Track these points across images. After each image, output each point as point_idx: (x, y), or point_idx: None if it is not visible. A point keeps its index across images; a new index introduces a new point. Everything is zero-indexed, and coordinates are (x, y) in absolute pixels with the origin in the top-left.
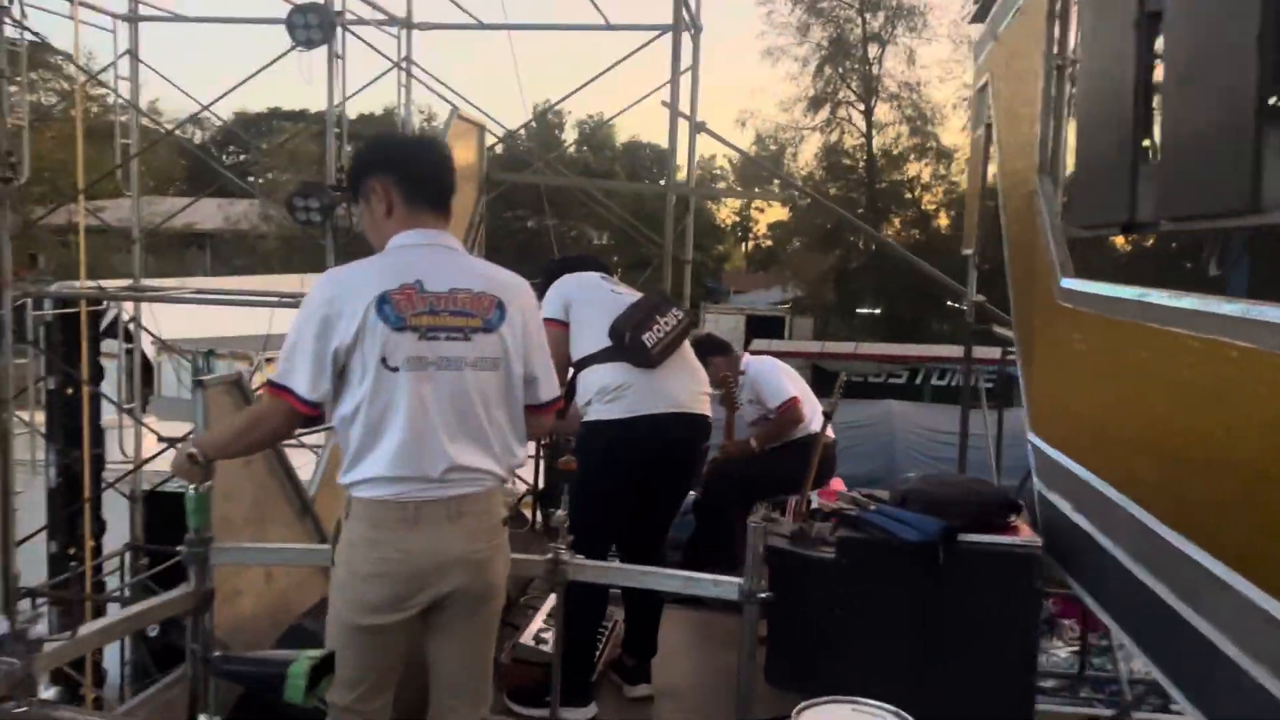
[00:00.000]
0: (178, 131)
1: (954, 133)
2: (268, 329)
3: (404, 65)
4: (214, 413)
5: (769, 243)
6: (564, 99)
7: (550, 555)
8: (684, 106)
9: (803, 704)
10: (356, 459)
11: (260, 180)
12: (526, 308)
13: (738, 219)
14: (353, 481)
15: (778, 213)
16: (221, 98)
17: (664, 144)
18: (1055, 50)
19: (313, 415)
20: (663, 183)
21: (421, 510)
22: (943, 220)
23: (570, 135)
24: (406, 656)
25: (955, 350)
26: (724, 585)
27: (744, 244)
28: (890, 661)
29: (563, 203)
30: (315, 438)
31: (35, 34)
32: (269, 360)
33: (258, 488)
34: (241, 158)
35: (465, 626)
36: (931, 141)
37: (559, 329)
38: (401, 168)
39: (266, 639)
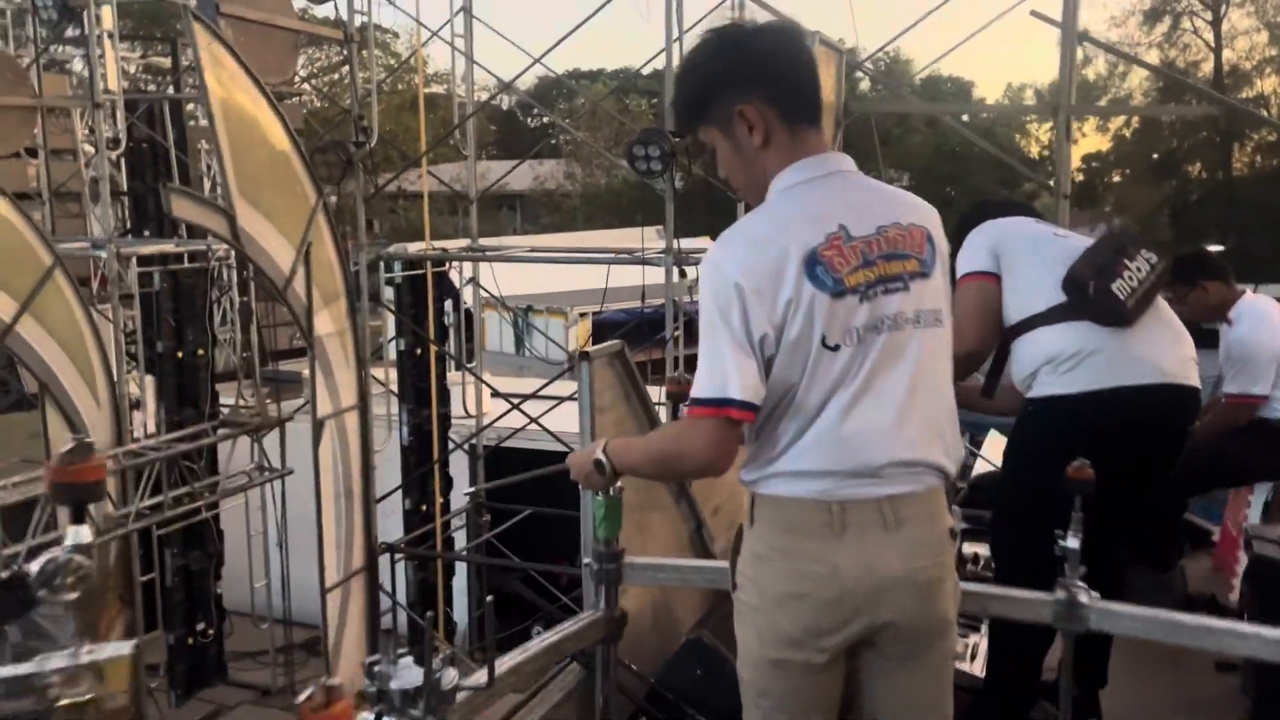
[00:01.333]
0: (490, 97)
1: None
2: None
3: None
4: (598, 386)
5: (1080, 177)
6: (911, 27)
7: (1062, 593)
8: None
9: None
10: (769, 451)
11: (564, 141)
12: (944, 242)
13: (1047, 152)
14: (760, 477)
15: (1093, 142)
16: (544, 55)
17: (966, 75)
18: None
19: (749, 422)
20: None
21: (849, 513)
22: None
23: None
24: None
25: None
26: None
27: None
28: None
29: (855, 141)
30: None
31: None
32: (582, 316)
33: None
34: (545, 120)
35: (909, 672)
36: None
37: (989, 282)
38: (775, 80)
39: (650, 647)
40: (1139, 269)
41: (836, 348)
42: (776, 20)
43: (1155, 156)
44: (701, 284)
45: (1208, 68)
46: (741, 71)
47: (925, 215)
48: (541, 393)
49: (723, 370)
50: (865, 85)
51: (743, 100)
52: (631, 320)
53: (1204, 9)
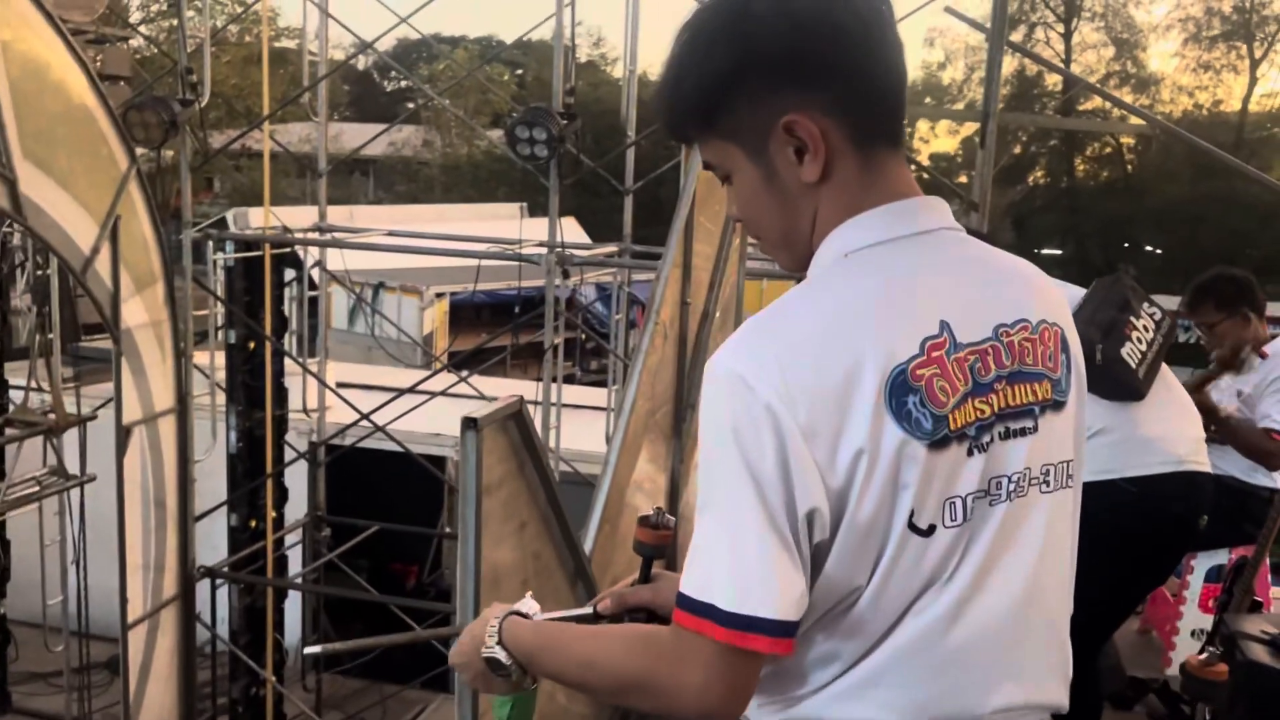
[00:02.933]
0: (343, 56)
1: (1160, 56)
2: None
3: None
4: (488, 461)
5: (925, 176)
6: None
7: None
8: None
9: None
10: (801, 683)
11: (419, 105)
12: (1077, 344)
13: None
14: None
15: (943, 144)
16: (411, 15)
17: None
18: None
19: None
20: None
21: None
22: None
23: None
24: None
25: None
26: None
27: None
28: None
29: None
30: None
31: None
32: (439, 296)
33: (531, 557)
34: (404, 84)
35: None
36: (1132, 66)
37: None
38: (847, 75)
39: None
40: (1146, 328)
41: (930, 530)
42: None
43: (1002, 162)
44: (708, 406)
45: (1055, 78)
46: (791, 59)
47: (1056, 304)
48: (391, 386)
49: (746, 565)
50: None
51: (793, 107)
52: (493, 303)
53: (1057, 21)
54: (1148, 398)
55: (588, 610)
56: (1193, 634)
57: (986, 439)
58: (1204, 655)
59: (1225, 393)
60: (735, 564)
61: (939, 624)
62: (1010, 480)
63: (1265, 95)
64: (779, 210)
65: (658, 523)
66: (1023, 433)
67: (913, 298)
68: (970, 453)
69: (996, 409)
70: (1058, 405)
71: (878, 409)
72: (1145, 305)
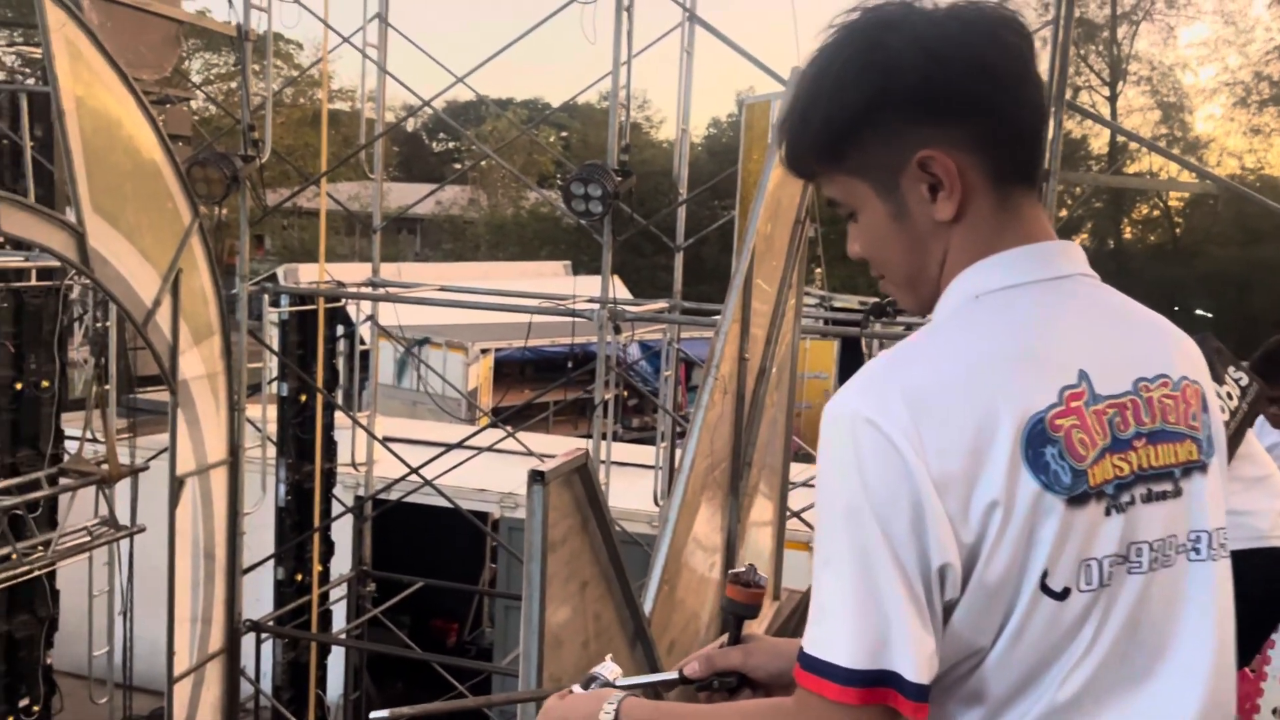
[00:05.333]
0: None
1: (1207, 120)
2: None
3: (689, 16)
4: (553, 518)
5: None
6: None
7: None
8: None
9: None
10: None
11: (466, 166)
12: (1218, 406)
13: None
14: None
15: None
16: (468, 75)
17: None
18: None
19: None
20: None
21: None
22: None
23: None
24: None
25: None
26: None
27: None
28: None
29: None
30: None
31: None
32: (484, 352)
33: (592, 619)
34: (451, 144)
35: None
36: (1179, 130)
37: None
38: (987, 111)
39: None
40: (1229, 395)
41: (1065, 594)
42: (979, 6)
43: (1051, 223)
44: (830, 451)
45: (1100, 141)
46: (929, 92)
47: (1195, 360)
48: (437, 441)
49: (879, 619)
50: None
51: (928, 142)
52: (537, 359)
53: (1101, 84)
54: (1230, 468)
55: (673, 675)
56: (1274, 711)
57: (1126, 499)
58: None
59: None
60: (861, 620)
61: (1073, 702)
62: (1151, 548)
63: None
64: (907, 249)
65: (749, 580)
66: (1163, 496)
67: (1049, 345)
68: (1108, 512)
69: (1136, 468)
70: (1201, 468)
71: (1013, 459)
72: (1231, 370)
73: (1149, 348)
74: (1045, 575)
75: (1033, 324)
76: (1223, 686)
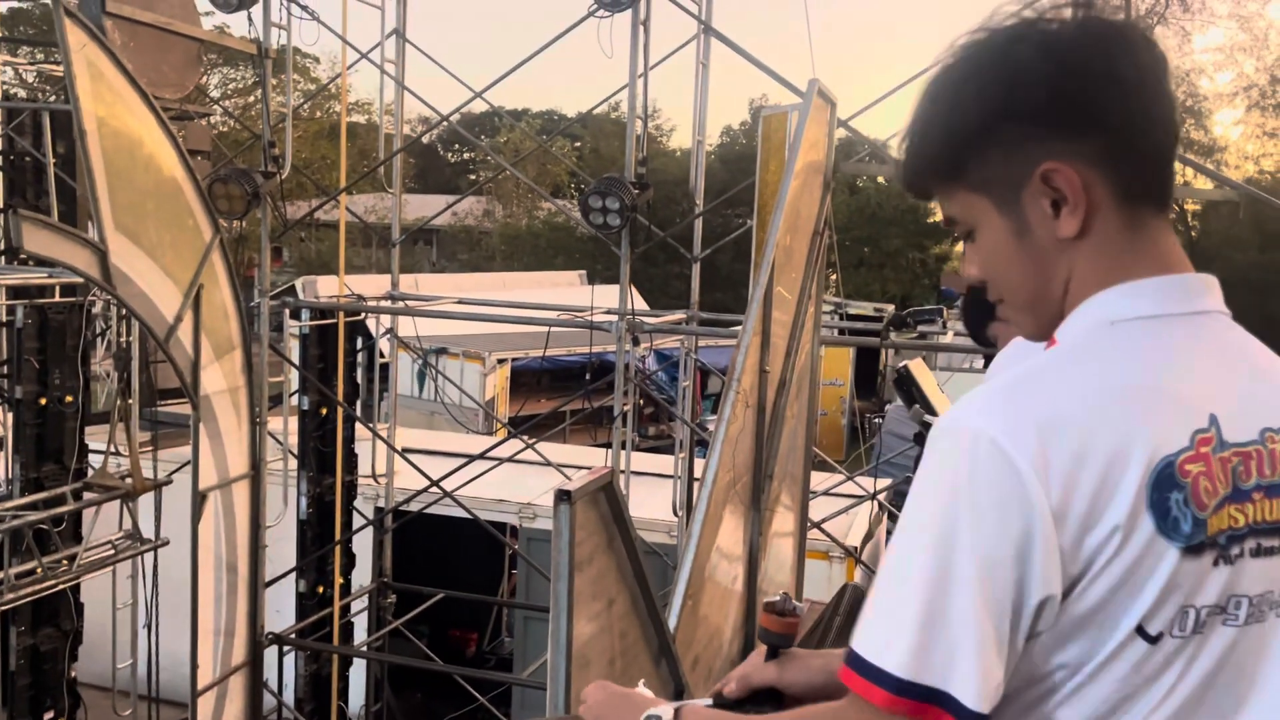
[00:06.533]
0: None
1: (1224, 124)
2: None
3: (704, 29)
4: (580, 536)
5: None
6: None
7: None
8: None
9: None
10: None
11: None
12: None
13: None
14: None
15: None
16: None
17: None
18: None
19: None
20: None
21: None
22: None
23: None
24: None
25: None
26: None
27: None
28: None
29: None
30: None
31: (309, 12)
32: (500, 362)
33: (618, 636)
34: (466, 156)
35: None
36: (1199, 134)
37: None
38: (1116, 127)
39: None
40: None
41: (1158, 639)
42: (1112, 22)
43: None
44: (940, 462)
45: None
46: (1055, 104)
47: None
48: (456, 452)
49: (950, 639)
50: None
51: (1053, 156)
52: (553, 369)
53: None
54: None
55: (708, 701)
56: None
57: (1235, 551)
58: None
59: None
60: (925, 636)
61: None
62: (1251, 602)
63: None
64: (1029, 269)
65: (784, 609)
66: (1271, 552)
67: (1184, 384)
68: (1216, 563)
69: (1251, 520)
70: None
71: (1137, 500)
72: None
73: (1277, 397)
74: (1144, 620)
75: (1170, 360)
76: None
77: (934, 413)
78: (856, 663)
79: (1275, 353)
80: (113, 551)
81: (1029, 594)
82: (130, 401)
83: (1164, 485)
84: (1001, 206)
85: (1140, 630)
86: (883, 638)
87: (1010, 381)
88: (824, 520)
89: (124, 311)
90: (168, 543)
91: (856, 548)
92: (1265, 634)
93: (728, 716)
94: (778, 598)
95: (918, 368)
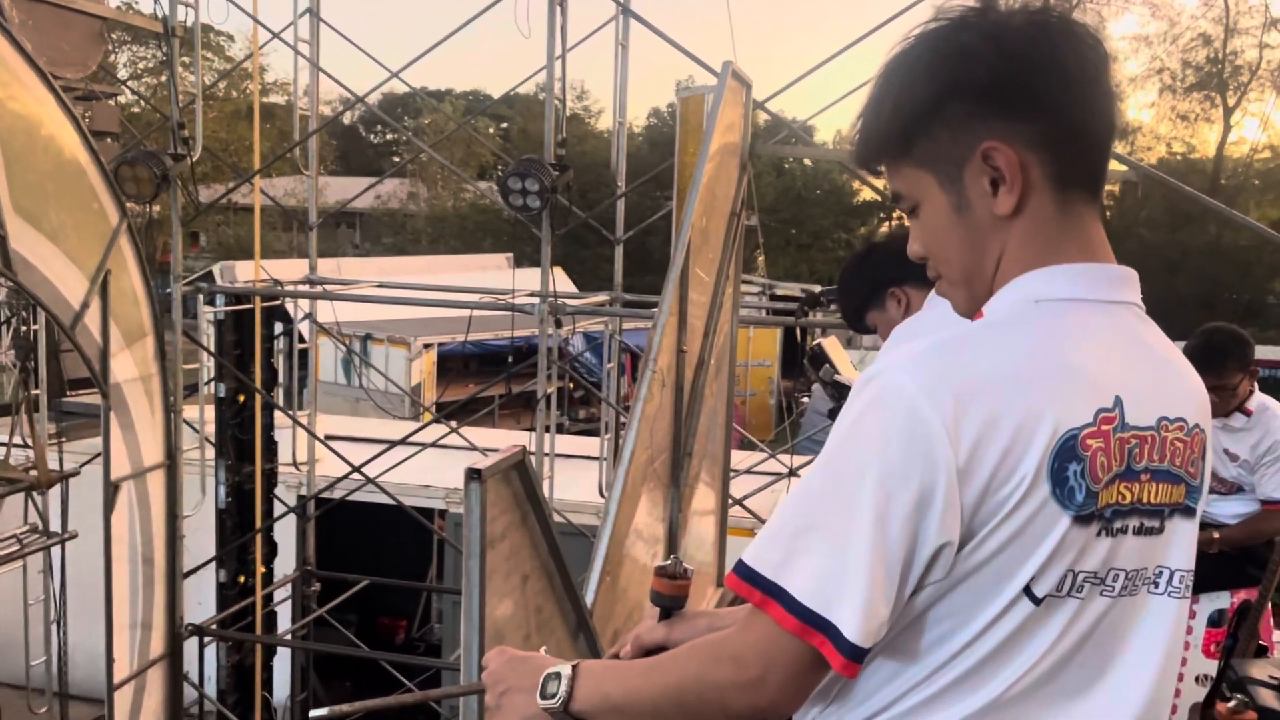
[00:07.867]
0: (334, 110)
1: (1138, 108)
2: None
3: (623, 9)
4: (491, 514)
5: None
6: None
7: None
8: None
9: None
10: (882, 709)
11: (405, 160)
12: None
13: (881, 195)
14: None
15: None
16: (403, 69)
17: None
18: None
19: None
20: None
21: None
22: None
23: None
24: None
25: None
26: None
27: (888, 222)
28: None
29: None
30: None
31: None
32: (426, 347)
33: (533, 612)
34: (389, 137)
35: None
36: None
37: None
38: (1054, 111)
39: None
40: None
41: (1043, 600)
42: (1058, 14)
43: None
44: (861, 411)
45: None
46: (998, 86)
47: (1205, 407)
48: (381, 438)
49: (841, 571)
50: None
51: (994, 136)
52: (481, 353)
53: None
54: None
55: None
56: (1196, 679)
57: (1119, 525)
58: (1233, 703)
59: (1218, 455)
60: (829, 567)
61: (1014, 701)
62: (1126, 575)
63: (1234, 143)
64: (966, 244)
65: (674, 572)
66: (1150, 531)
67: (1095, 366)
68: (1100, 534)
69: (1136, 499)
70: (1187, 512)
71: (1040, 467)
72: None
73: (1176, 389)
74: (1032, 581)
75: (1085, 342)
76: (1157, 714)
77: (843, 380)
78: (752, 576)
79: (1187, 324)
80: (19, 546)
81: (924, 542)
82: (36, 392)
83: (1065, 456)
84: (945, 183)
85: (1028, 591)
86: (779, 557)
87: (937, 343)
88: (745, 497)
89: (27, 299)
90: (76, 535)
91: None
92: (1135, 606)
93: (621, 664)
94: (668, 561)
95: (831, 345)
